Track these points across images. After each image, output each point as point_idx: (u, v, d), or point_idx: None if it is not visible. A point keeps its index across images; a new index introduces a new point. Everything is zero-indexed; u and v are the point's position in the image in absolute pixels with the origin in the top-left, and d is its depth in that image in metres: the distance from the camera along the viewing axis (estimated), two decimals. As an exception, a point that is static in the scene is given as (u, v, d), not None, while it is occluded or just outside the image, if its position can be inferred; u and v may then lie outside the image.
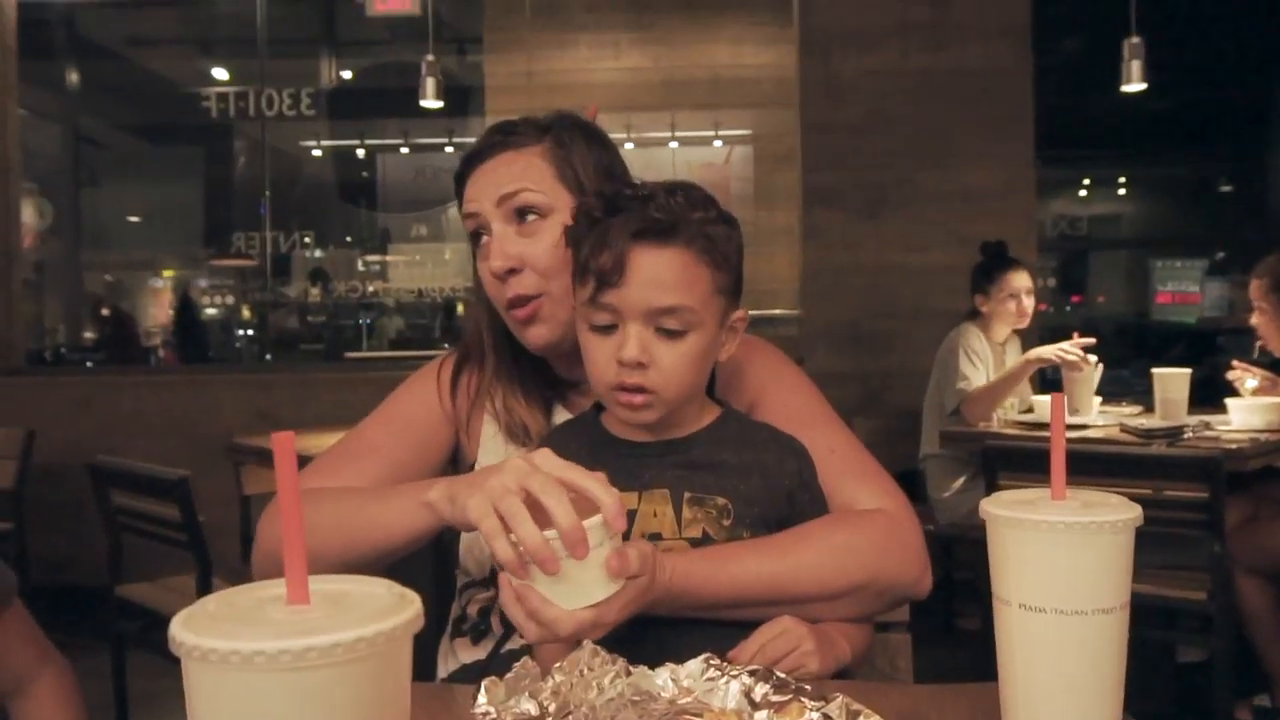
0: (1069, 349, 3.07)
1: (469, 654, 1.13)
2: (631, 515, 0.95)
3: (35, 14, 5.50)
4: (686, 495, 0.97)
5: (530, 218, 1.11)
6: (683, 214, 0.94)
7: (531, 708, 0.72)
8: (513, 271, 1.10)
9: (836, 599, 0.98)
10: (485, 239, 1.13)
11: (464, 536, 1.14)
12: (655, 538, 0.95)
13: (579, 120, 1.19)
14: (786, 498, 1.00)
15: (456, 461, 1.22)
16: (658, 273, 0.93)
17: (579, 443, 1.02)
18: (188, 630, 0.44)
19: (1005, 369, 3.28)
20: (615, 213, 0.94)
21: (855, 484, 1.07)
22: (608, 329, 0.95)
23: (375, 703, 0.45)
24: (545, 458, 0.84)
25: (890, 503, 1.06)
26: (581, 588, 0.81)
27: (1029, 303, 3.32)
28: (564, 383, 1.20)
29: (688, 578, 0.91)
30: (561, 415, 1.19)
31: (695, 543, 0.96)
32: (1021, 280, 3.31)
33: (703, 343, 0.96)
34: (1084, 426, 2.98)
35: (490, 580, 1.13)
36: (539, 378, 1.20)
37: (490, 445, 1.19)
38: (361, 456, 1.14)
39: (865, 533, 1.01)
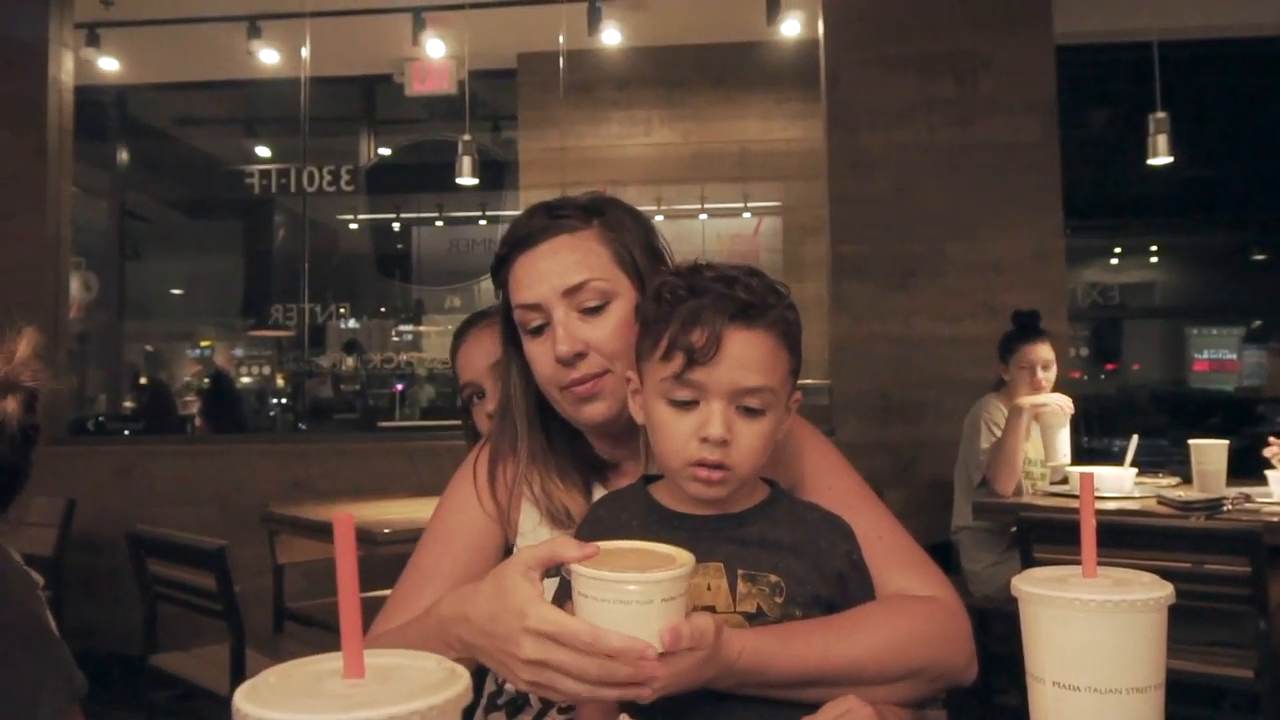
0: (1041, 401, 3.23)
1: None
2: None
3: (90, 95, 5.74)
4: (740, 571, 0.97)
5: (593, 303, 1.12)
6: (766, 297, 0.97)
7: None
8: (579, 355, 1.11)
9: (894, 683, 0.99)
10: (545, 325, 1.13)
11: None
12: (709, 609, 0.95)
13: (619, 201, 1.21)
14: (837, 579, 1.01)
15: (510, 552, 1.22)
16: (747, 353, 0.95)
17: (629, 514, 1.03)
18: (250, 702, 0.46)
19: (1009, 424, 3.27)
20: (697, 293, 0.97)
21: (904, 572, 1.08)
22: (688, 405, 0.96)
23: (425, 775, 0.47)
24: (523, 596, 0.85)
25: (942, 592, 1.08)
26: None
27: (1045, 376, 3.31)
28: (603, 464, 1.20)
29: (756, 654, 0.91)
30: (601, 495, 1.18)
31: (750, 617, 0.96)
32: (1039, 353, 3.31)
33: (775, 422, 0.99)
34: (1121, 498, 2.95)
35: None
36: (575, 459, 1.20)
37: (531, 534, 1.18)
38: (422, 588, 1.13)
39: (924, 620, 1.02)
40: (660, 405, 0.98)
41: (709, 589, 0.97)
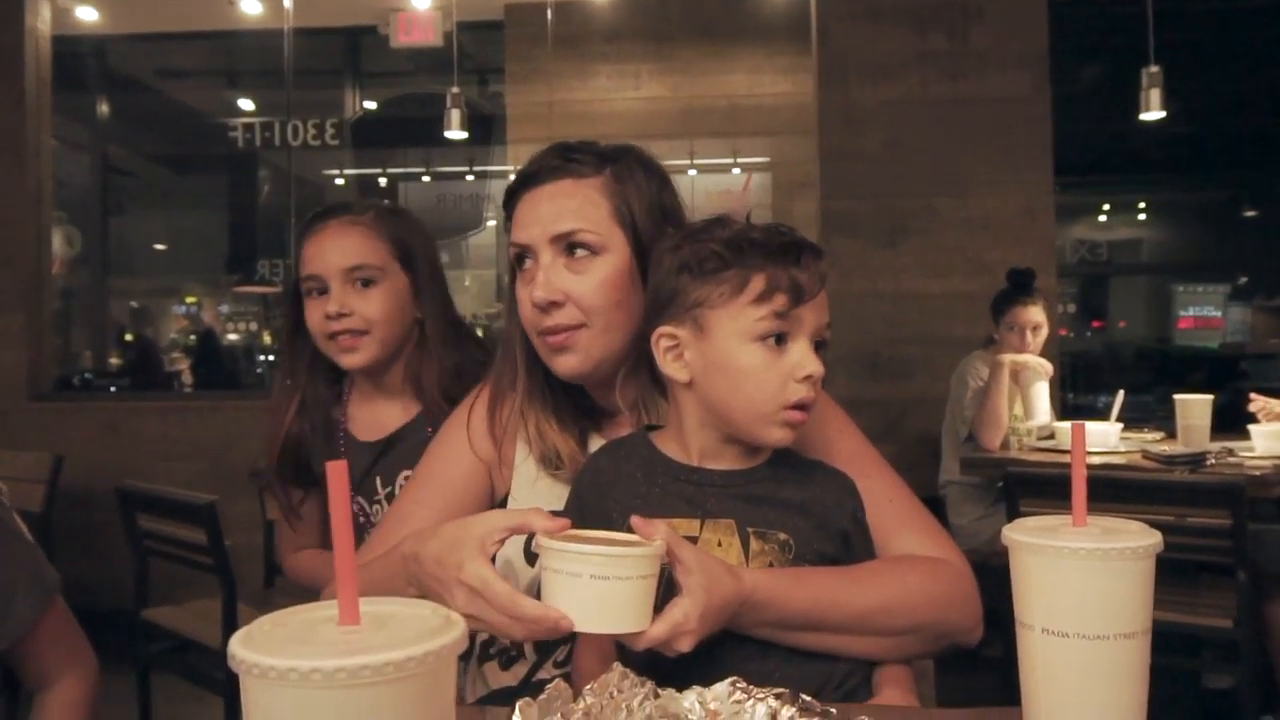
0: (1021, 359, 3.27)
1: (498, 679, 1.13)
2: (693, 541, 0.96)
3: (68, 47, 5.62)
4: (751, 530, 0.98)
5: (580, 253, 1.10)
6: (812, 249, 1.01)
7: (564, 729, 0.74)
8: (554, 304, 1.09)
9: (900, 635, 1.00)
10: (529, 264, 1.12)
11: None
12: None
13: (641, 155, 1.17)
14: (841, 537, 1.01)
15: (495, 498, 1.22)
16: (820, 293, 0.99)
17: (633, 465, 1.03)
18: (247, 648, 0.46)
19: (991, 382, 3.29)
20: (766, 236, 0.98)
21: (913, 535, 1.08)
22: (781, 343, 0.96)
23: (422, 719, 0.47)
24: (467, 550, 0.88)
25: (952, 555, 1.08)
26: (629, 615, 0.82)
27: (1033, 338, 3.32)
28: (599, 410, 1.19)
29: (771, 590, 0.92)
30: (597, 443, 1.18)
31: None
32: (1029, 315, 3.30)
33: None
34: (1106, 453, 2.98)
35: None
36: (572, 403, 1.19)
37: (523, 470, 1.18)
38: (396, 531, 1.12)
39: (935, 578, 1.03)
40: (750, 349, 0.95)
41: (719, 545, 0.97)
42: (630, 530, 0.89)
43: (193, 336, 8.10)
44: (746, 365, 0.95)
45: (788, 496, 1.00)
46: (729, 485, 1.00)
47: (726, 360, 0.96)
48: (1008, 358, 3.26)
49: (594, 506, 1.01)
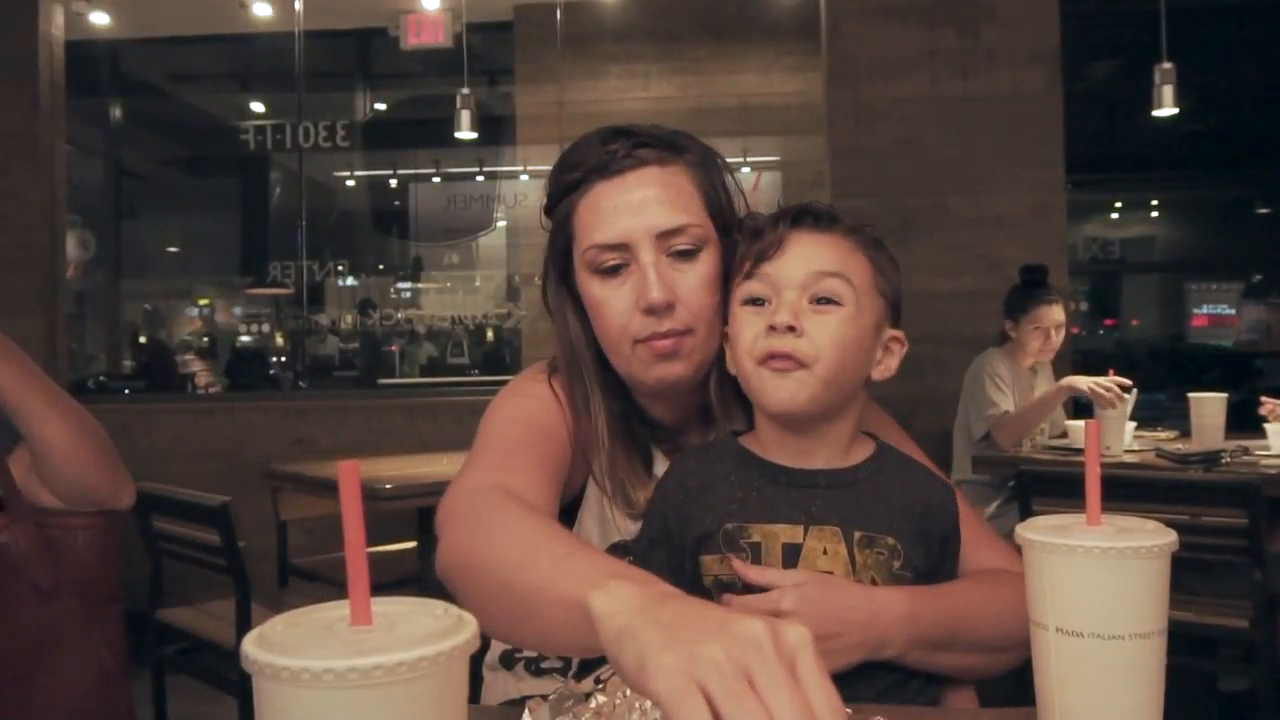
0: (1104, 384, 2.98)
1: (531, 685, 1.08)
2: (795, 550, 0.91)
3: (81, 51, 5.66)
4: (858, 535, 0.92)
5: (684, 249, 1.01)
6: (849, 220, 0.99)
7: (576, 729, 0.74)
8: (669, 306, 0.99)
9: (1006, 652, 0.95)
10: (623, 265, 1.01)
11: None
12: (826, 575, 0.92)
13: (696, 136, 1.08)
14: (941, 542, 0.97)
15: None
16: (813, 251, 0.95)
17: (725, 466, 0.97)
18: (259, 649, 0.46)
19: (1038, 396, 3.26)
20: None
21: (988, 550, 1.03)
22: (759, 302, 0.96)
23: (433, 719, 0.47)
24: (799, 636, 0.54)
25: (1018, 566, 1.05)
26: None
27: (1057, 339, 3.28)
28: (664, 429, 1.11)
29: (909, 603, 0.88)
30: (663, 465, 1.09)
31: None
32: (1054, 315, 3.27)
33: (853, 328, 0.94)
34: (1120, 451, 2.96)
35: None
36: (637, 423, 1.09)
37: (589, 507, 1.09)
38: (523, 453, 0.97)
39: (1020, 593, 0.99)
40: (738, 315, 0.96)
41: (825, 553, 0.92)
42: (729, 539, 0.89)
43: (206, 338, 8.13)
44: (733, 330, 0.97)
45: (894, 497, 0.95)
46: (834, 485, 0.95)
47: (730, 331, 0.99)
48: (1085, 383, 3.02)
49: (682, 513, 0.95)
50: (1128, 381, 3.04)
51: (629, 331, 1.01)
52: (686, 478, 0.97)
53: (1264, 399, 3.05)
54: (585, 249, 1.02)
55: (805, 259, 0.93)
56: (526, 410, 1.04)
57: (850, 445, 0.98)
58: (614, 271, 1.01)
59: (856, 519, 0.93)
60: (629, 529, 1.05)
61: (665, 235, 1.00)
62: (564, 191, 1.04)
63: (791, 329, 0.90)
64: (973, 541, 1.01)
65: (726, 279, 1.03)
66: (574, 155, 1.04)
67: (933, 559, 0.95)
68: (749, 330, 0.94)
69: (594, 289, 1.02)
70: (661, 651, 0.53)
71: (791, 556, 0.91)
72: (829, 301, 0.92)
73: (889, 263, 0.99)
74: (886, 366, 0.99)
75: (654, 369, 1.02)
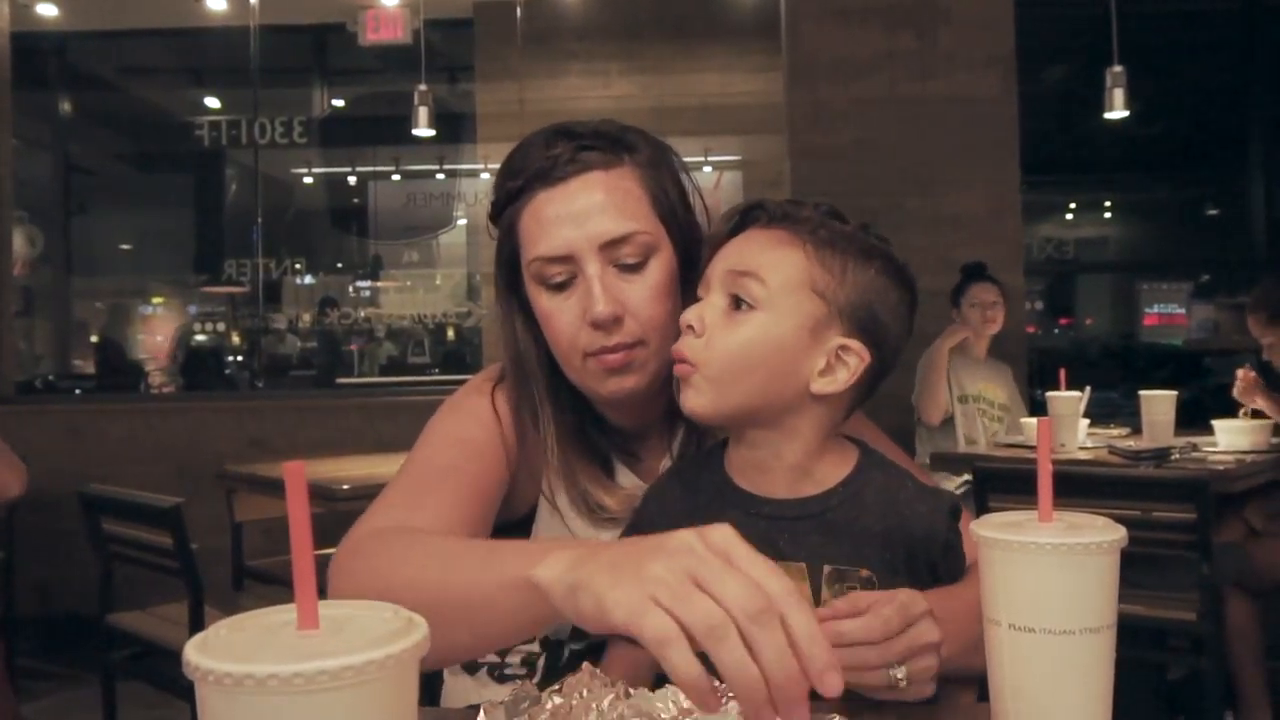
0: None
1: (494, 691, 1.06)
2: None
3: (28, 43, 5.53)
4: (827, 570, 0.87)
5: (631, 259, 0.97)
6: (795, 213, 0.91)
7: (530, 731, 0.73)
8: (616, 320, 0.96)
9: None
10: (568, 278, 0.98)
11: None
12: None
13: (644, 131, 1.03)
14: (929, 569, 0.89)
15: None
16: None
17: (705, 495, 0.92)
18: (202, 655, 0.45)
19: (931, 360, 3.46)
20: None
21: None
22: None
23: (383, 725, 0.46)
24: (723, 534, 0.61)
25: None
26: None
27: (995, 313, 3.49)
28: (624, 436, 1.08)
29: (939, 607, 0.81)
30: (624, 475, 1.07)
31: None
32: (985, 293, 3.48)
33: (766, 326, 0.87)
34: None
35: (537, 637, 1.06)
36: (595, 433, 1.07)
37: (542, 521, 1.07)
38: (441, 484, 0.95)
39: None
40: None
41: None
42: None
43: (160, 337, 7.98)
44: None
45: (869, 525, 0.88)
46: (803, 516, 0.88)
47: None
48: (954, 330, 3.45)
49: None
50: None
51: (578, 344, 0.98)
52: (667, 503, 0.95)
53: (1242, 372, 2.99)
54: (530, 260, 0.99)
55: (726, 256, 0.88)
56: (461, 429, 1.02)
57: (817, 466, 0.91)
58: (563, 287, 0.98)
59: (826, 552, 0.88)
60: (596, 537, 1.03)
61: (610, 245, 0.96)
62: (507, 198, 1.01)
63: (691, 328, 0.88)
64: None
65: (683, 283, 1.00)
66: (516, 160, 1.01)
67: (922, 583, 0.87)
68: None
69: (542, 301, 1.00)
70: (612, 589, 0.60)
71: None
72: (742, 303, 0.87)
73: (852, 263, 0.88)
74: (834, 379, 0.88)
75: (606, 383, 0.99)
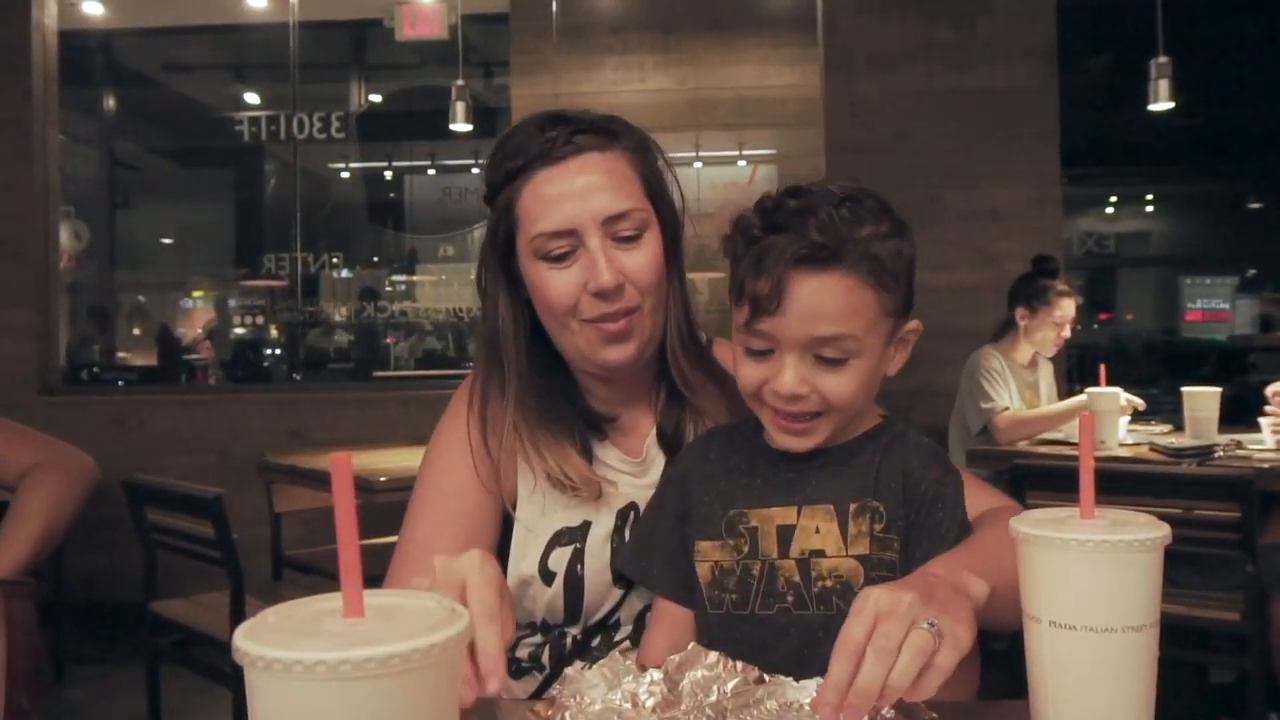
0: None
1: (510, 688, 1.07)
2: (789, 530, 0.94)
3: (74, 41, 5.63)
4: (852, 507, 0.94)
5: (628, 233, 1.04)
6: (847, 233, 0.88)
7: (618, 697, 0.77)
8: (618, 288, 1.03)
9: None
10: (570, 251, 1.03)
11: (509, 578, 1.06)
12: (819, 554, 0.93)
13: (626, 120, 1.11)
14: (926, 503, 0.95)
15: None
16: (817, 302, 0.87)
17: (740, 456, 1.00)
18: (251, 641, 0.46)
19: (1057, 405, 3.29)
20: (775, 229, 0.89)
21: (978, 493, 1.04)
22: (764, 354, 0.91)
23: (427, 712, 0.47)
24: (475, 589, 0.76)
25: (1012, 502, 1.07)
26: None
27: (1068, 332, 3.35)
28: (599, 416, 1.12)
29: (949, 569, 0.83)
30: (607, 450, 1.11)
31: (861, 559, 0.92)
32: (1071, 309, 3.32)
33: (867, 367, 0.92)
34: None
35: (537, 626, 1.10)
36: (569, 410, 1.10)
37: (527, 500, 1.10)
38: (422, 563, 0.98)
39: None
40: (739, 350, 0.94)
41: (817, 531, 0.93)
42: (730, 525, 0.94)
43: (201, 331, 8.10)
44: (738, 364, 0.96)
45: (883, 464, 0.96)
46: (830, 463, 0.96)
47: (737, 354, 0.96)
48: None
49: (698, 494, 0.99)
50: (1141, 404, 3.16)
51: (580, 312, 1.04)
52: (705, 463, 1.01)
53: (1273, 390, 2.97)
54: (532, 236, 1.04)
55: (804, 319, 0.87)
56: (437, 488, 1.09)
57: (862, 419, 0.99)
58: (563, 258, 1.03)
59: (848, 491, 0.95)
60: (561, 501, 1.08)
61: (611, 220, 1.02)
62: (505, 179, 1.06)
63: (798, 396, 0.90)
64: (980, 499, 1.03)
65: (670, 258, 1.09)
66: (512, 143, 1.06)
67: (912, 519, 0.94)
68: (753, 374, 0.93)
69: (542, 274, 1.04)
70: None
71: (785, 536, 0.94)
72: (835, 361, 0.90)
73: (901, 264, 0.92)
74: (900, 359, 0.99)
75: (603, 351, 1.05)
